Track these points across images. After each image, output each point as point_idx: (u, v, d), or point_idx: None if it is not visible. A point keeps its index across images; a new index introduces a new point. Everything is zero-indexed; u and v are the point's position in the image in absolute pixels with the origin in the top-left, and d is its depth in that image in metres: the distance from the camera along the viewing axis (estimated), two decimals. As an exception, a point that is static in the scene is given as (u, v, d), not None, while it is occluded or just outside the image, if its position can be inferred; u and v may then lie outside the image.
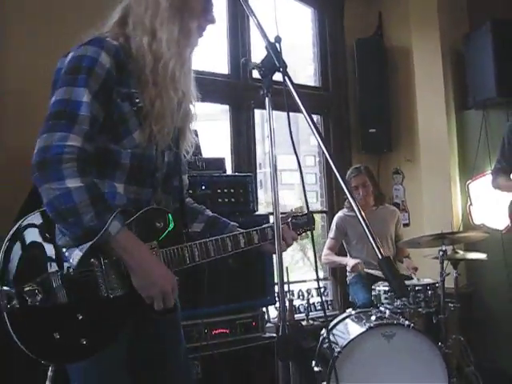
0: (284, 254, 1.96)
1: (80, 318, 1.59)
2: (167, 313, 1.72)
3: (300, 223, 2.18)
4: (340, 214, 4.70)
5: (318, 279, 2.12)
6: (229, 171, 4.40)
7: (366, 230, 1.25)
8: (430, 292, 3.78)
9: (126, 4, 1.82)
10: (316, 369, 3.53)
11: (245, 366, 3.43)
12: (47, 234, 1.63)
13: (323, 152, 1.47)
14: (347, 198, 4.31)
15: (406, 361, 3.27)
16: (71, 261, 1.56)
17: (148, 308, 1.68)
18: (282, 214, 1.98)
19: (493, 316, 4.71)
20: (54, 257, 1.61)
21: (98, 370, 1.68)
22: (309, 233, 2.21)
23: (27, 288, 1.53)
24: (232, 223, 2.13)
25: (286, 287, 4.65)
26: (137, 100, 1.72)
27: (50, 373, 1.64)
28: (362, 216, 1.33)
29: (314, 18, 5.62)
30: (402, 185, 5.50)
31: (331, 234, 4.67)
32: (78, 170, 1.54)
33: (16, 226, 1.61)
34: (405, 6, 5.37)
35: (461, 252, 3.95)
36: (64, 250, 1.58)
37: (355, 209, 1.36)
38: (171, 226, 1.81)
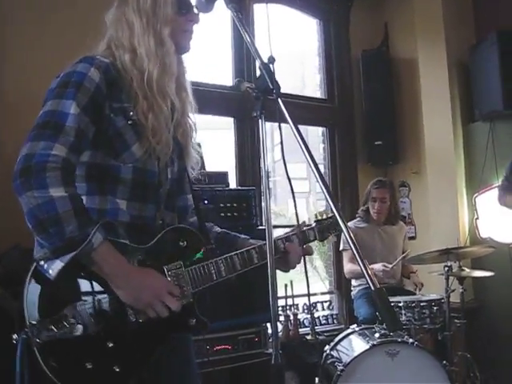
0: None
1: (110, 345, 1.57)
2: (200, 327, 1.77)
3: (325, 226, 2.11)
4: (350, 224, 4.60)
5: (308, 294, 2.06)
6: (232, 183, 4.37)
7: (358, 258, 1.20)
8: (435, 308, 3.74)
9: (108, 35, 1.85)
10: (319, 385, 3.49)
11: (247, 382, 3.39)
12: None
13: (311, 165, 1.44)
14: (361, 207, 4.22)
15: (411, 379, 3.20)
16: (50, 272, 1.50)
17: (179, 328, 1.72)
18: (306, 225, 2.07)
19: (499, 332, 4.63)
20: (77, 288, 1.58)
21: None
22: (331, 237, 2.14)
23: (54, 320, 1.50)
24: (243, 236, 2.08)
25: (289, 301, 4.62)
26: (131, 113, 1.72)
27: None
28: (352, 240, 1.28)
29: (319, 29, 5.60)
30: (408, 197, 5.45)
31: (346, 245, 4.50)
32: (61, 179, 1.51)
33: (35, 264, 1.57)
34: (410, 16, 5.34)
35: (467, 270, 3.89)
36: (42, 262, 1.52)
37: (344, 232, 1.31)
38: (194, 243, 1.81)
